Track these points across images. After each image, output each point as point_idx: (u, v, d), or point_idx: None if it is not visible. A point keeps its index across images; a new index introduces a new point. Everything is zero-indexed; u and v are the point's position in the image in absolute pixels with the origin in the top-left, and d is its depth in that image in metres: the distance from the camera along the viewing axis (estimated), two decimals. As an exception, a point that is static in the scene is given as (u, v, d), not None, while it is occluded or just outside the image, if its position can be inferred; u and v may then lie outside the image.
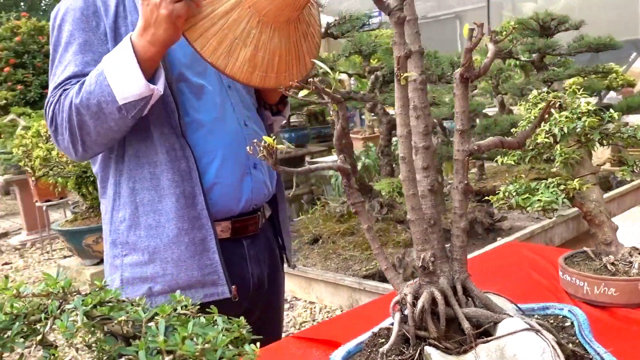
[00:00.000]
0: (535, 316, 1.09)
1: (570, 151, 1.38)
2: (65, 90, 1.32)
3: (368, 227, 0.97)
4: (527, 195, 1.34)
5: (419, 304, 0.90)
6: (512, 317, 0.91)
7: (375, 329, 1.00)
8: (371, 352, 0.94)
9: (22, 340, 0.55)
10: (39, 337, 0.54)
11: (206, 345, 0.53)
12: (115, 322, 0.56)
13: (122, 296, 1.46)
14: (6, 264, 5.82)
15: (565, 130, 1.32)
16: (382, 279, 2.48)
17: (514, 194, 1.36)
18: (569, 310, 1.07)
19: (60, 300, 0.58)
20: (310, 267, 2.66)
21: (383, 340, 0.96)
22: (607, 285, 1.25)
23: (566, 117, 1.36)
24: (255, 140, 0.89)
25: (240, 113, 1.54)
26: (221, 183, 1.46)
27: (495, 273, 1.58)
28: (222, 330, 0.59)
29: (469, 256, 2.37)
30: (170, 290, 1.42)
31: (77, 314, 0.55)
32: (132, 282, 1.43)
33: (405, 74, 0.86)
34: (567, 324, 1.05)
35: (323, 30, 2.87)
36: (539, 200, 1.30)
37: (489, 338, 0.88)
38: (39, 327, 0.55)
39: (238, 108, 1.54)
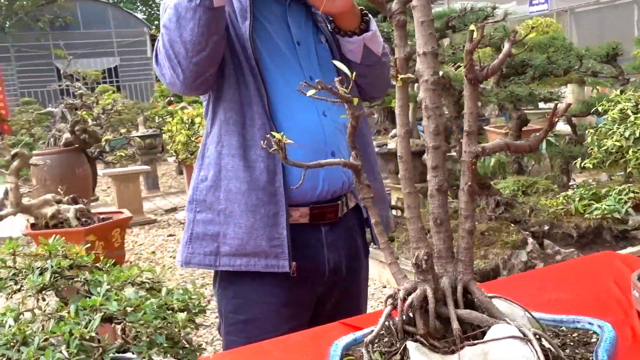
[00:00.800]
0: (562, 328, 1.04)
1: (651, 156, 1.26)
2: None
3: (376, 222, 1.01)
4: (588, 201, 1.26)
5: (409, 300, 0.92)
6: (508, 323, 0.90)
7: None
8: (369, 342, 0.98)
9: (10, 286, 0.71)
10: (16, 287, 0.69)
11: (130, 308, 0.63)
12: (74, 281, 0.69)
13: (189, 250, 1.61)
14: (170, 235, 6.56)
15: (637, 134, 1.21)
16: (486, 278, 2.42)
17: (577, 199, 1.29)
18: (598, 326, 1.01)
19: (47, 261, 0.73)
20: (412, 261, 2.66)
21: (383, 332, 0.99)
22: (673, 306, 1.14)
23: (646, 119, 1.25)
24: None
25: (320, 103, 1.63)
26: (297, 169, 1.56)
27: (571, 281, 1.50)
28: (171, 298, 0.69)
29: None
30: (236, 254, 1.54)
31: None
32: (201, 238, 1.56)
33: (402, 76, 0.88)
34: (592, 340, 0.99)
35: (443, 23, 2.83)
36: (598, 208, 1.22)
37: (476, 341, 0.88)
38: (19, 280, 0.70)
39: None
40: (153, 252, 5.95)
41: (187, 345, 0.68)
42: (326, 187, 1.61)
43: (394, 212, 4.05)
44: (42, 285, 0.68)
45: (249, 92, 1.54)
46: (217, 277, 1.68)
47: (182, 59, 1.42)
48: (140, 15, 25.25)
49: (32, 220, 3.43)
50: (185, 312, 0.69)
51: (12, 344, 0.60)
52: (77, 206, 3.43)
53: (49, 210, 3.33)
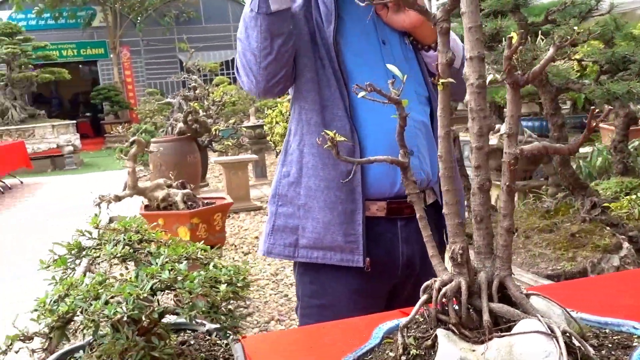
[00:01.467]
0: (606, 330, 1.05)
1: None
2: None
3: (420, 216, 1.08)
4: (654, 206, 1.23)
5: (443, 290, 0.98)
6: (539, 319, 0.93)
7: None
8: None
9: (95, 256, 0.86)
10: (95, 255, 0.84)
11: (180, 277, 0.77)
12: (138, 253, 0.83)
13: (271, 241, 1.75)
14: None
15: None
16: (567, 277, 2.36)
17: (643, 203, 1.26)
18: (642, 331, 1.00)
19: (122, 234, 0.88)
20: (495, 259, 2.64)
21: (422, 319, 1.06)
22: None
23: None
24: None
25: None
26: (377, 166, 1.63)
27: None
28: (217, 272, 0.82)
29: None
30: (313, 247, 1.65)
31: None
32: (282, 230, 1.69)
33: (443, 80, 0.94)
34: (634, 344, 0.99)
35: (542, 18, 2.76)
36: (663, 212, 1.19)
37: (504, 334, 0.92)
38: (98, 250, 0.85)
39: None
40: (256, 237, 6.27)
41: (228, 314, 0.81)
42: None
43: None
44: (116, 254, 0.83)
45: (331, 95, 1.62)
46: (296, 263, 1.81)
47: (253, 66, 1.55)
48: (257, 10, 26.23)
49: (146, 202, 3.78)
50: (228, 285, 0.81)
51: (86, 298, 0.75)
52: (185, 190, 3.73)
53: (160, 194, 3.66)
